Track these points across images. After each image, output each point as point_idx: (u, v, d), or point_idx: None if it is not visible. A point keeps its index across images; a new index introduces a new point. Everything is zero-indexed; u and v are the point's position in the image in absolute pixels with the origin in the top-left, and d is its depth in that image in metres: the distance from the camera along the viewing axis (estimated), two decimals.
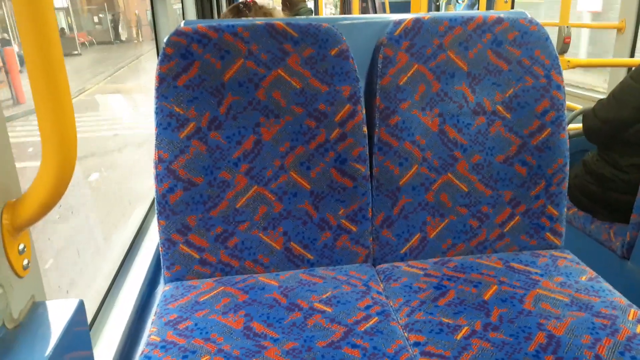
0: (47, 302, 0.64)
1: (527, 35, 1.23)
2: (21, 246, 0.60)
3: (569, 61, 2.88)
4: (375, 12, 6.85)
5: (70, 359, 0.59)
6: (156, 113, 1.12)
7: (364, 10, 6.74)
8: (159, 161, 1.12)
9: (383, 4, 6.68)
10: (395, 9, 6.34)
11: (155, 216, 1.16)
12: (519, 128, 1.24)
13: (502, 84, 1.24)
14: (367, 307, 1.05)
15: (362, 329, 0.98)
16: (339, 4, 9.12)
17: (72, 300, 0.63)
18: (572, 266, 1.19)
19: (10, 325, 0.57)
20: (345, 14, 6.85)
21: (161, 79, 1.12)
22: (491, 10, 2.02)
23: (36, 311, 0.62)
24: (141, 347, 0.99)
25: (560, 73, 1.25)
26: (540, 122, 1.24)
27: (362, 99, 1.19)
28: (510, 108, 1.24)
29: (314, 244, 1.21)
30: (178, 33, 1.12)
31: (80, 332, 0.62)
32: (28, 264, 0.61)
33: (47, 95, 0.51)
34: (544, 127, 1.24)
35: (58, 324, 0.59)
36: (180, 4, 2.40)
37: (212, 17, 3.19)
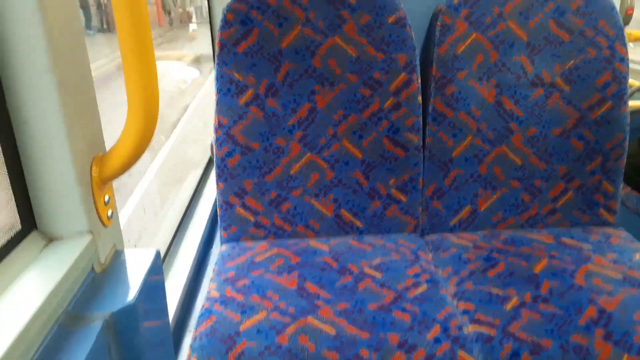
0: (127, 251, 0.69)
1: (592, 4, 1.19)
2: (106, 197, 0.65)
3: (630, 34, 2.75)
4: None
5: (149, 303, 0.64)
6: (217, 79, 1.16)
7: None
8: (219, 126, 1.16)
9: None
10: None
11: (210, 179, 1.21)
12: (578, 101, 1.22)
13: (562, 55, 1.21)
14: (416, 275, 1.07)
15: (412, 295, 1.00)
16: None
17: (150, 249, 0.68)
18: (626, 244, 1.17)
19: (98, 269, 0.62)
20: None
21: (222, 44, 1.15)
22: None
23: (118, 259, 0.67)
24: (201, 302, 1.05)
25: (624, 45, 1.21)
26: (601, 95, 1.21)
27: (418, 68, 1.19)
28: (569, 80, 1.21)
29: (364, 212, 1.24)
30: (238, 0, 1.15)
31: (157, 279, 0.67)
32: (112, 214, 0.66)
33: (133, 57, 0.54)
34: (604, 100, 1.21)
35: (139, 270, 0.64)
36: None
37: None
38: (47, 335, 0.50)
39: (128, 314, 0.58)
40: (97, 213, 0.63)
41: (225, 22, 1.14)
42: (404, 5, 1.18)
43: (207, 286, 1.09)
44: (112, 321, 0.56)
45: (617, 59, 1.20)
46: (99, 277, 0.62)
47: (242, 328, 0.92)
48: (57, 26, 0.54)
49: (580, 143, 1.23)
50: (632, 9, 3.00)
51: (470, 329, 0.93)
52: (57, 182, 0.57)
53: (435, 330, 0.91)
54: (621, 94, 1.21)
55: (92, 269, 0.61)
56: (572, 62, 1.21)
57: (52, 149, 0.56)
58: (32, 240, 0.58)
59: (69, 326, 0.54)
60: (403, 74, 1.18)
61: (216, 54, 1.15)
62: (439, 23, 1.19)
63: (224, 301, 1.00)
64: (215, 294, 1.03)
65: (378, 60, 1.17)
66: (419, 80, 1.19)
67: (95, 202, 0.62)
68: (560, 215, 1.27)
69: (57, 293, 0.53)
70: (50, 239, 0.60)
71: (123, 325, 0.58)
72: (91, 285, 0.60)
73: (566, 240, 1.19)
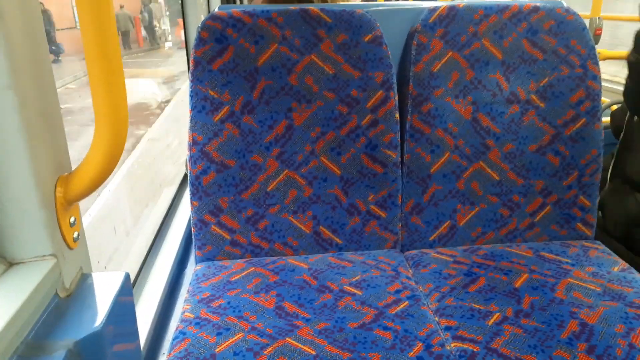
0: (94, 274, 0.66)
1: (564, 25, 1.22)
2: (72, 219, 0.62)
3: (599, 53, 2.83)
4: None
5: (117, 329, 0.61)
6: (191, 96, 1.14)
7: None
8: (193, 143, 1.14)
9: None
10: None
11: (184, 197, 1.18)
12: (553, 118, 1.23)
13: (536, 73, 1.22)
14: (397, 292, 1.06)
15: (393, 312, 0.99)
16: None
17: (118, 272, 0.65)
18: (604, 257, 1.18)
19: (62, 294, 0.59)
20: None
21: (196, 62, 1.13)
22: None
23: (85, 282, 0.64)
24: (175, 323, 1.01)
25: (596, 63, 1.23)
26: (575, 112, 1.23)
27: (395, 86, 1.19)
28: (544, 97, 1.22)
29: (343, 229, 1.22)
30: (213, 17, 1.13)
31: (127, 303, 0.64)
32: (78, 236, 0.63)
33: (101, 74, 0.52)
34: (579, 117, 1.23)
35: (107, 294, 0.61)
36: None
37: (242, 1, 3.21)
38: None
39: (94, 340, 0.55)
40: (62, 235, 0.60)
41: (200, 40, 1.13)
42: (380, 24, 1.19)
43: (181, 307, 1.05)
44: (76, 350, 0.53)
45: (589, 77, 1.22)
46: (63, 302, 0.59)
47: (217, 350, 0.89)
48: (18, 41, 0.52)
49: (556, 158, 1.24)
50: (601, 29, 3.09)
51: (452, 346, 0.92)
52: (17, 203, 0.55)
53: (418, 349, 0.89)
54: (594, 111, 1.23)
55: (56, 293, 0.58)
56: (546, 79, 1.22)
57: (13, 168, 0.53)
58: None
59: (29, 357, 0.50)
60: (380, 92, 1.17)
61: (190, 70, 1.14)
62: (414, 42, 1.19)
63: (199, 323, 0.96)
64: (190, 315, 0.99)
65: (355, 78, 1.17)
66: (396, 98, 1.19)
67: (59, 224, 0.59)
68: (538, 229, 1.27)
69: (17, 321, 0.50)
70: (10, 264, 0.57)
71: (88, 354, 0.55)
72: (55, 312, 0.57)
73: (545, 254, 1.19)
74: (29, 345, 0.51)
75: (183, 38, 2.01)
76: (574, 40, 1.22)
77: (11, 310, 0.50)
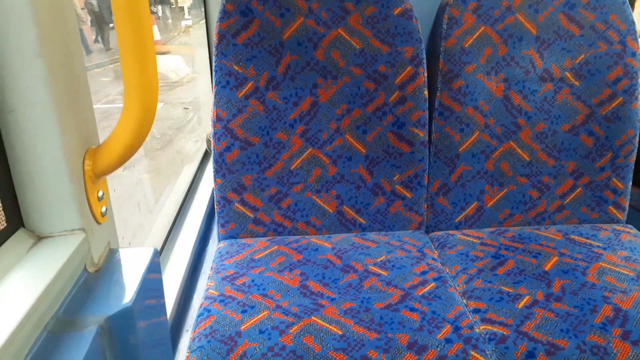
0: (122, 250, 0.65)
1: None
2: (100, 193, 0.61)
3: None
4: None
5: (147, 304, 0.60)
6: (215, 71, 1.11)
7: None
8: (217, 119, 1.12)
9: None
10: None
11: (205, 174, 1.17)
12: (588, 96, 1.18)
13: (572, 49, 1.17)
14: (423, 273, 1.04)
15: (420, 294, 0.97)
16: None
17: (147, 248, 0.64)
18: (637, 241, 1.14)
19: (91, 269, 0.58)
20: None
21: (221, 36, 1.10)
22: None
23: (113, 258, 0.63)
24: (198, 302, 1.01)
25: (636, 39, 1.18)
26: (611, 91, 1.18)
27: (424, 61, 1.15)
28: (579, 75, 1.18)
29: (367, 209, 1.20)
30: None
31: (155, 279, 0.63)
32: (106, 211, 0.62)
33: (131, 45, 0.50)
34: (615, 96, 1.18)
35: (135, 271, 0.60)
36: None
37: None
38: (36, 343, 0.46)
39: (124, 317, 0.54)
40: (90, 209, 0.58)
41: (225, 13, 1.10)
42: None
43: (204, 284, 1.05)
44: (107, 326, 0.52)
45: (628, 54, 1.16)
46: (92, 277, 0.58)
47: (243, 328, 0.89)
48: (46, 9, 0.50)
49: (589, 139, 1.20)
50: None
51: (482, 329, 0.90)
52: (46, 176, 0.53)
53: (446, 330, 0.88)
54: (632, 90, 1.18)
55: (85, 269, 0.57)
56: (582, 56, 1.17)
57: (41, 140, 0.52)
58: (19, 239, 0.54)
59: (60, 332, 0.50)
60: (409, 68, 1.14)
61: (214, 45, 1.11)
62: (446, 16, 1.15)
63: (223, 300, 0.96)
64: (214, 292, 0.99)
65: (383, 53, 1.13)
66: (425, 74, 1.15)
67: (88, 198, 0.58)
68: (568, 212, 1.23)
69: (47, 296, 0.49)
70: (38, 237, 0.56)
71: (119, 329, 0.54)
72: (84, 287, 0.56)
73: (575, 237, 1.15)
74: (60, 320, 0.50)
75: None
76: (613, 15, 1.16)
77: (41, 284, 0.49)
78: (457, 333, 0.87)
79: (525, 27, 1.16)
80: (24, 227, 0.56)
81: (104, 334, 0.52)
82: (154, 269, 0.63)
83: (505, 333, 0.88)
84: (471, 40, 1.15)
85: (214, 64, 1.12)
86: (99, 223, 0.61)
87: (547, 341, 0.86)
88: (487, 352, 0.85)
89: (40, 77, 0.50)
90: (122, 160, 0.58)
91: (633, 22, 1.17)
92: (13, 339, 0.43)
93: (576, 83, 1.18)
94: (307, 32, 1.12)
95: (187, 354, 0.86)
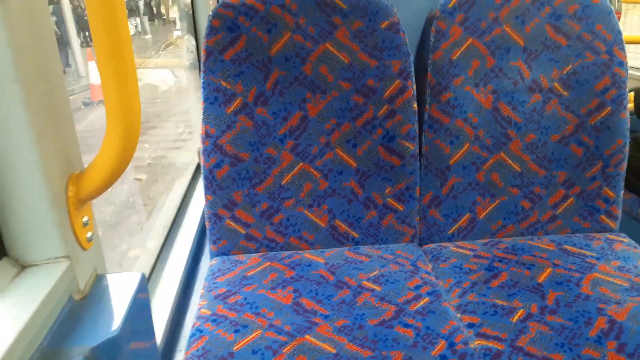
0: (109, 275, 0.64)
1: (589, 9, 1.17)
2: (85, 219, 0.60)
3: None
4: None
5: (134, 329, 0.59)
6: (203, 87, 1.11)
7: None
8: (207, 136, 1.12)
9: None
10: None
11: (197, 187, 1.16)
12: (577, 106, 1.19)
13: (560, 60, 1.18)
14: (417, 287, 1.03)
15: (414, 309, 0.96)
16: None
17: (134, 273, 0.63)
18: (630, 250, 1.14)
19: (77, 296, 0.57)
20: None
21: (208, 52, 1.10)
22: None
23: (100, 284, 0.62)
24: (191, 320, 0.99)
25: (623, 49, 1.18)
26: (600, 100, 1.18)
27: (413, 74, 1.15)
28: (568, 85, 1.18)
29: (359, 222, 1.19)
30: (225, 5, 1.10)
31: (143, 304, 0.62)
32: (91, 236, 0.61)
33: (111, 68, 0.50)
34: (604, 105, 1.18)
35: (123, 296, 0.59)
36: None
37: None
38: None
39: (110, 347, 0.53)
40: (75, 236, 0.57)
41: (211, 29, 1.10)
42: (397, 10, 1.15)
43: (196, 303, 1.03)
44: (92, 356, 0.51)
45: (615, 64, 1.17)
46: (78, 305, 0.57)
47: (235, 348, 0.87)
48: (24, 32, 0.49)
49: (580, 149, 1.20)
50: (620, 13, 3.00)
51: (476, 344, 0.89)
52: (28, 204, 0.52)
53: (441, 347, 0.87)
54: (621, 99, 1.18)
55: (71, 296, 0.56)
56: (570, 66, 1.18)
57: (22, 166, 0.51)
58: (2, 268, 0.53)
59: None
60: (397, 81, 1.14)
61: (202, 61, 1.11)
62: (433, 29, 1.15)
63: (216, 320, 0.95)
64: (206, 311, 0.97)
65: (371, 67, 1.14)
66: (414, 87, 1.15)
67: (72, 224, 0.57)
68: (560, 222, 1.23)
69: (31, 327, 0.48)
70: (22, 266, 0.55)
71: (105, 358, 0.53)
72: (70, 316, 0.54)
73: (568, 247, 1.15)
74: (44, 352, 0.49)
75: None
76: (599, 25, 1.17)
77: (25, 315, 0.47)
78: (451, 349, 0.87)
79: (513, 38, 1.17)
80: (7, 255, 0.55)
81: None
82: (142, 293, 0.62)
83: (500, 348, 0.87)
84: (459, 52, 1.15)
85: (201, 80, 1.11)
86: (84, 249, 0.60)
87: (542, 355, 0.85)
88: None
89: (16, 103, 0.49)
90: (106, 185, 0.57)
91: (620, 32, 1.18)
92: None
93: (565, 93, 1.18)
94: (294, 47, 1.12)
95: None
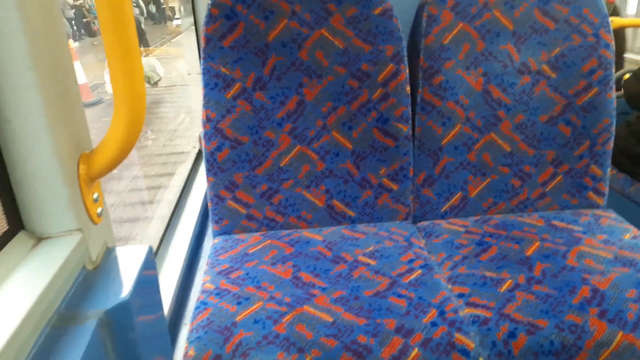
0: (118, 248, 0.69)
1: None
2: (95, 195, 0.64)
3: (612, 21, 2.77)
4: None
5: (143, 300, 0.64)
6: (203, 73, 1.15)
7: None
8: (207, 120, 1.16)
9: None
10: None
11: (199, 172, 1.20)
12: (565, 88, 1.22)
13: (548, 43, 1.21)
14: (410, 261, 1.08)
15: (407, 281, 1.01)
16: None
17: (142, 246, 0.68)
18: (616, 224, 1.18)
19: (89, 266, 0.62)
20: None
21: (207, 39, 1.14)
22: None
23: (110, 256, 0.67)
24: (195, 295, 1.05)
25: (609, 32, 1.22)
26: (587, 82, 1.22)
27: (406, 59, 1.19)
28: (555, 67, 1.22)
29: (355, 202, 1.24)
30: None
31: (150, 275, 0.67)
32: (101, 212, 0.66)
33: (118, 54, 0.54)
34: (590, 86, 1.22)
35: (131, 267, 0.64)
36: None
37: None
38: (41, 336, 0.50)
39: (122, 310, 0.58)
40: (87, 211, 0.62)
41: (210, 17, 1.13)
42: None
43: (200, 279, 1.09)
44: (106, 319, 0.56)
45: (602, 46, 1.21)
46: (90, 274, 0.62)
47: (238, 319, 0.93)
48: (37, 23, 0.53)
49: (567, 128, 1.24)
50: None
51: (466, 312, 0.94)
52: (43, 181, 0.57)
53: (432, 314, 0.92)
54: (607, 80, 1.22)
55: (84, 267, 0.61)
56: (558, 49, 1.21)
57: (36, 148, 0.55)
58: (20, 240, 0.58)
59: (62, 325, 0.54)
60: (391, 65, 1.18)
61: (202, 48, 1.15)
62: (425, 14, 1.19)
63: (219, 293, 1.00)
64: (210, 286, 1.03)
65: (365, 52, 1.17)
66: (407, 71, 1.19)
67: (83, 200, 0.61)
68: (549, 199, 1.28)
69: (49, 292, 0.53)
70: (38, 239, 0.60)
71: (118, 322, 0.58)
72: (83, 284, 0.60)
73: (557, 223, 1.20)
74: (62, 315, 0.54)
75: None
76: (586, 9, 1.20)
77: (43, 282, 0.52)
78: (442, 317, 0.92)
79: (502, 22, 1.20)
80: (24, 229, 0.59)
81: (103, 327, 0.56)
82: (149, 265, 0.67)
83: (488, 315, 0.92)
84: (450, 37, 1.19)
85: (201, 66, 1.15)
86: (95, 223, 0.64)
87: (527, 322, 0.90)
88: (471, 334, 0.90)
89: (31, 90, 0.53)
90: (114, 163, 0.62)
91: (606, 15, 1.22)
92: (19, 333, 0.46)
93: (553, 75, 1.22)
94: (291, 34, 1.16)
95: (186, 345, 0.90)
